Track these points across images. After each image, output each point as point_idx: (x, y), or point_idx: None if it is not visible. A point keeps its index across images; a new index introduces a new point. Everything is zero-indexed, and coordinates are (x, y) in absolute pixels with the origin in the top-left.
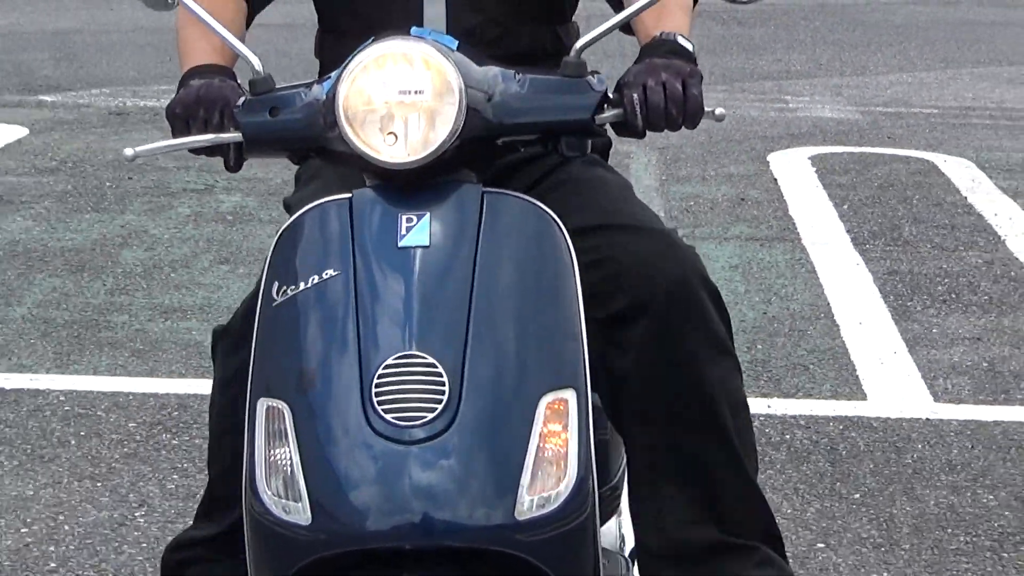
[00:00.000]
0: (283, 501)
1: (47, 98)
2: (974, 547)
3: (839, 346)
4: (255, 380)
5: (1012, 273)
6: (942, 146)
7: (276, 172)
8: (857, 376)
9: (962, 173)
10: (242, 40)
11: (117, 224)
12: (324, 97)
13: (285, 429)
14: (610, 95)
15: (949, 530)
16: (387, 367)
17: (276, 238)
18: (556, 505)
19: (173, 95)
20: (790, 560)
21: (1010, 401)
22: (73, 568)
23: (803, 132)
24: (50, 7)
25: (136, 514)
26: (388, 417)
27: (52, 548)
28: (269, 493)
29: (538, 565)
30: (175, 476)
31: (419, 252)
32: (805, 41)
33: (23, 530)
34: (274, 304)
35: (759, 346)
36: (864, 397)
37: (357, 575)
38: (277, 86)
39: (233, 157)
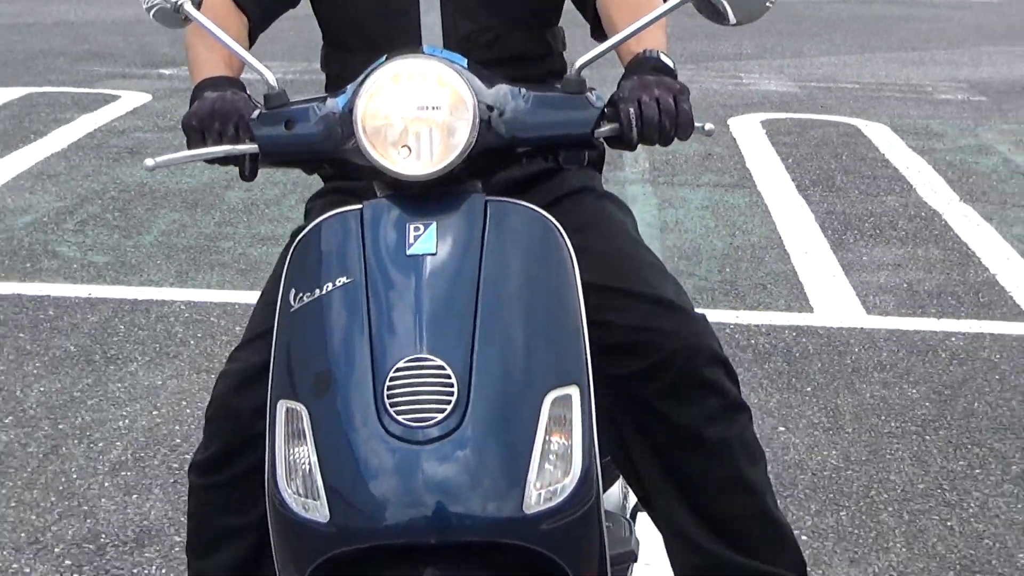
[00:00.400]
0: (303, 499)
1: (165, 71)
2: (903, 431)
3: (790, 270)
4: (275, 382)
5: (923, 214)
6: (863, 113)
7: None
8: (805, 294)
9: (880, 135)
10: (249, 50)
11: (222, 171)
12: (340, 111)
13: (303, 429)
14: (605, 110)
15: (883, 417)
16: (398, 370)
17: (292, 247)
18: (563, 497)
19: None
20: None
21: (926, 314)
22: (193, 444)
23: (755, 102)
24: None
25: None
26: (400, 418)
27: (177, 427)
28: (289, 491)
29: (548, 554)
30: None
31: (427, 259)
32: (754, 31)
33: (154, 412)
34: (291, 310)
35: (727, 269)
36: (811, 310)
37: (376, 571)
38: (291, 101)
39: (248, 167)
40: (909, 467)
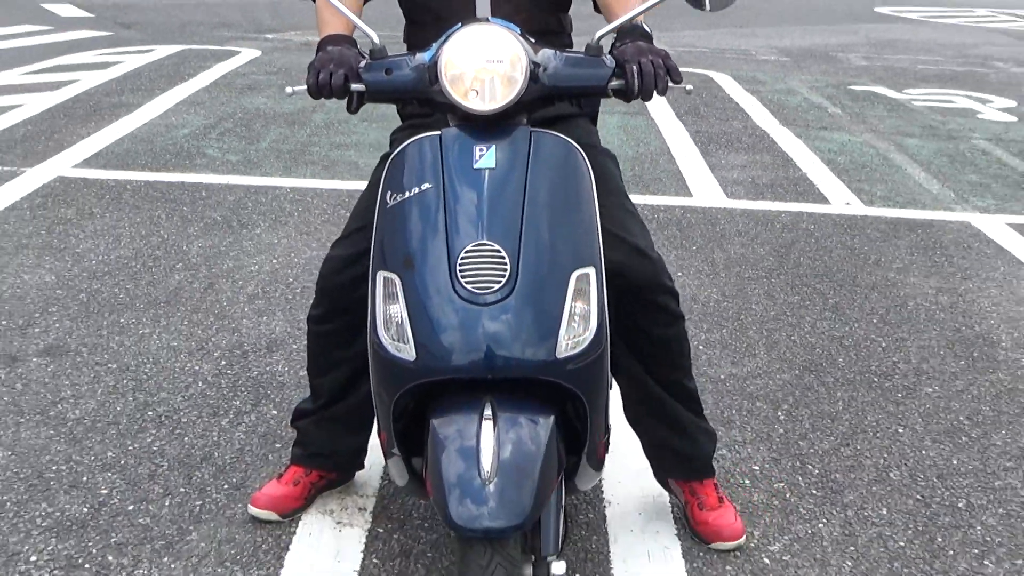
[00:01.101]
0: (395, 343)
1: (268, 36)
2: (757, 276)
3: (676, 169)
4: (375, 258)
5: (757, 132)
6: (713, 67)
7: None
8: (687, 185)
9: (725, 82)
10: (360, 14)
11: (309, 101)
12: (427, 63)
13: (396, 293)
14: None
15: (743, 267)
16: (467, 251)
17: (389, 161)
18: (583, 347)
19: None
20: None
21: (764, 198)
22: (300, 281)
23: None
24: None
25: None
26: (468, 287)
27: (289, 271)
28: (386, 337)
29: (571, 388)
30: None
31: (488, 172)
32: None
33: (273, 261)
34: (387, 207)
35: (636, 168)
36: (691, 195)
37: (447, 398)
38: (389, 54)
39: (356, 103)
40: (763, 300)
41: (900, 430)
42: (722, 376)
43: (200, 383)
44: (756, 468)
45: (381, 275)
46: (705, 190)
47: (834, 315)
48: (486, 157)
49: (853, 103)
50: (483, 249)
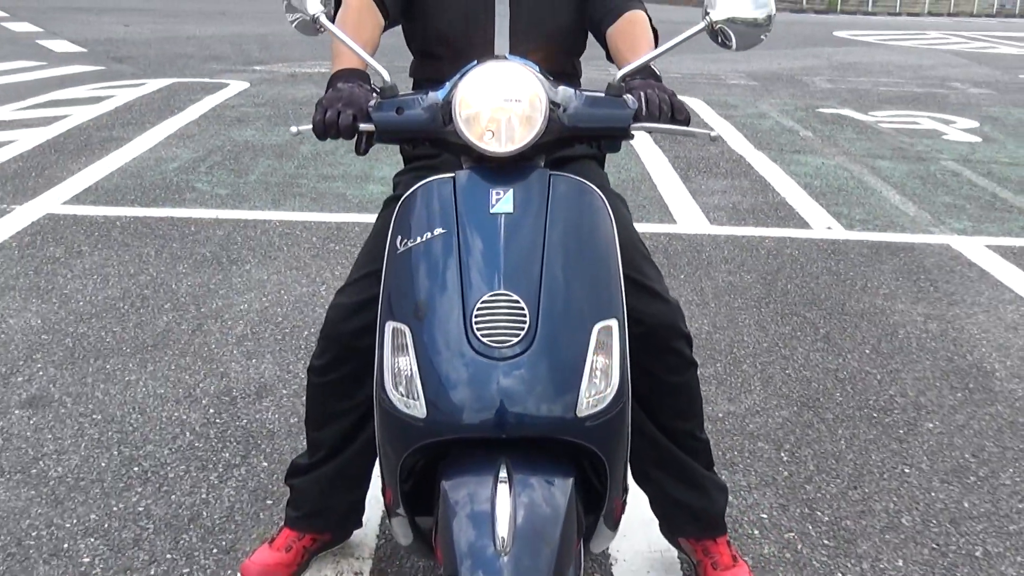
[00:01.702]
0: (404, 399)
1: (257, 67)
2: (746, 305)
3: (658, 196)
4: (383, 308)
5: (734, 157)
6: (686, 93)
7: None
8: (670, 212)
9: (698, 106)
10: (376, 46)
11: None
12: (440, 101)
13: (406, 344)
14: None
15: (732, 295)
16: (484, 302)
17: (399, 205)
18: (604, 404)
19: (324, 85)
20: None
21: (747, 223)
22: (290, 320)
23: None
24: (259, 21)
25: (322, 288)
26: (484, 340)
27: (279, 309)
28: (395, 393)
29: (591, 447)
30: (344, 262)
31: (505, 217)
32: None
33: (263, 299)
34: (397, 252)
35: None
36: (675, 222)
37: (458, 460)
38: (400, 93)
39: (364, 144)
40: (755, 331)
41: (907, 470)
42: (720, 414)
43: (188, 434)
44: (764, 516)
45: (390, 325)
46: (688, 216)
47: (826, 346)
48: (503, 201)
49: (823, 126)
50: (500, 300)
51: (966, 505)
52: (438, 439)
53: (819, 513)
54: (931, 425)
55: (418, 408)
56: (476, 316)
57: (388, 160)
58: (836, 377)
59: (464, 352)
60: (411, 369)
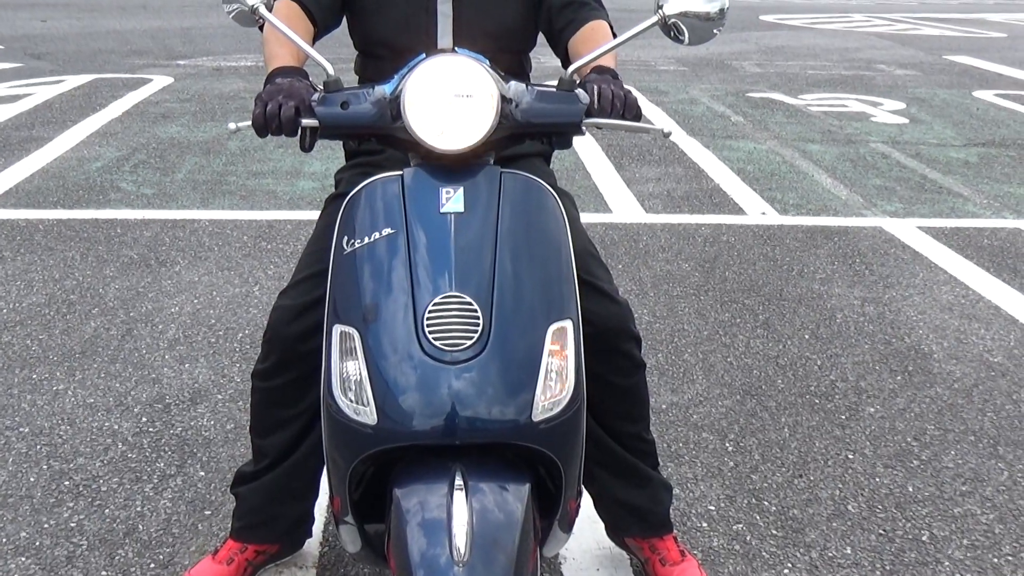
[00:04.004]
0: (354, 405)
1: (180, 62)
2: (685, 293)
3: (592, 185)
4: (330, 310)
5: (667, 143)
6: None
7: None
8: (605, 201)
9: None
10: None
11: (224, 128)
12: (388, 96)
13: (355, 348)
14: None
15: (670, 284)
16: (435, 304)
17: (344, 203)
18: (560, 407)
19: (261, 83)
20: None
21: (682, 211)
22: (223, 323)
23: (551, 76)
24: (181, 15)
25: (255, 288)
26: (436, 343)
27: (212, 311)
28: (343, 399)
29: (546, 452)
30: (277, 261)
31: (455, 216)
32: None
33: (195, 301)
34: (344, 253)
35: None
36: (611, 211)
37: (408, 467)
38: (345, 86)
39: (309, 140)
40: (695, 319)
41: (850, 456)
42: (663, 405)
43: (120, 444)
44: (712, 508)
45: (338, 329)
46: (624, 205)
47: (766, 332)
48: (453, 200)
49: (753, 110)
50: (452, 302)
51: (910, 489)
52: (389, 446)
53: (766, 503)
54: (872, 410)
55: (368, 415)
56: (427, 319)
57: (319, 155)
58: (777, 364)
59: (415, 356)
60: (360, 374)
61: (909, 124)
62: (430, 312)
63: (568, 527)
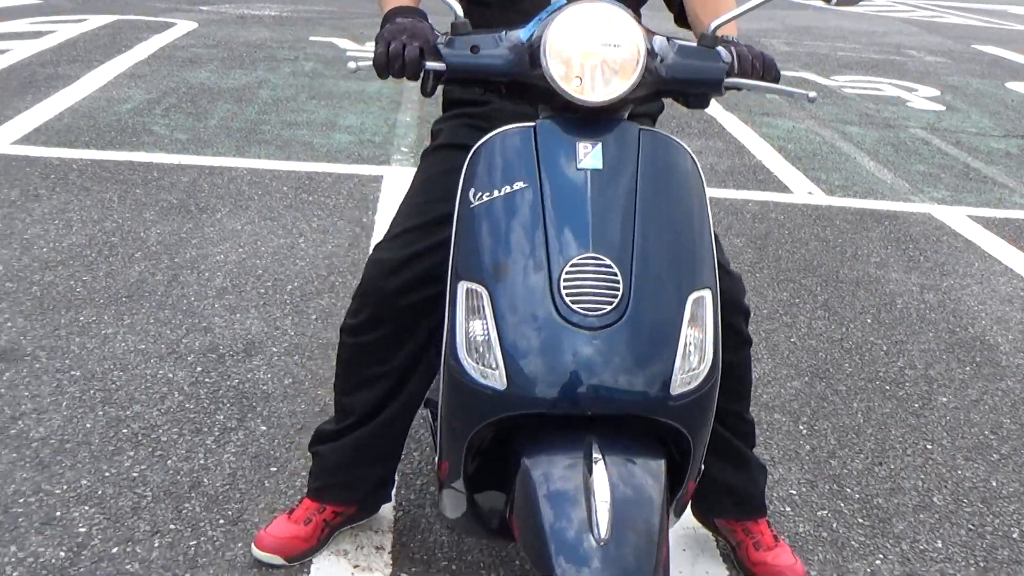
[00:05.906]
0: (480, 367)
1: (203, 7)
2: (740, 270)
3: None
4: (454, 266)
5: (705, 118)
6: None
7: (341, 50)
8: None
9: None
10: None
11: (254, 76)
12: (525, 42)
13: (483, 307)
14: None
15: None
16: (573, 265)
17: (470, 154)
18: (697, 382)
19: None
20: None
21: (727, 186)
22: (270, 272)
23: None
24: None
25: (300, 241)
26: (574, 307)
27: (257, 260)
28: (469, 360)
29: (679, 428)
30: (320, 214)
31: (593, 173)
32: None
33: (239, 249)
34: (471, 206)
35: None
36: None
37: (533, 436)
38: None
39: (432, 84)
40: (753, 297)
41: (928, 446)
42: None
43: (176, 393)
44: (794, 492)
45: (463, 286)
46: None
47: (827, 314)
48: (592, 156)
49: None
50: (591, 264)
51: (994, 484)
52: (519, 412)
53: (848, 490)
54: (944, 399)
55: (497, 379)
56: (564, 280)
57: (354, 109)
58: (842, 347)
59: (551, 319)
60: (488, 335)
61: (946, 111)
62: (567, 273)
63: (681, 510)
